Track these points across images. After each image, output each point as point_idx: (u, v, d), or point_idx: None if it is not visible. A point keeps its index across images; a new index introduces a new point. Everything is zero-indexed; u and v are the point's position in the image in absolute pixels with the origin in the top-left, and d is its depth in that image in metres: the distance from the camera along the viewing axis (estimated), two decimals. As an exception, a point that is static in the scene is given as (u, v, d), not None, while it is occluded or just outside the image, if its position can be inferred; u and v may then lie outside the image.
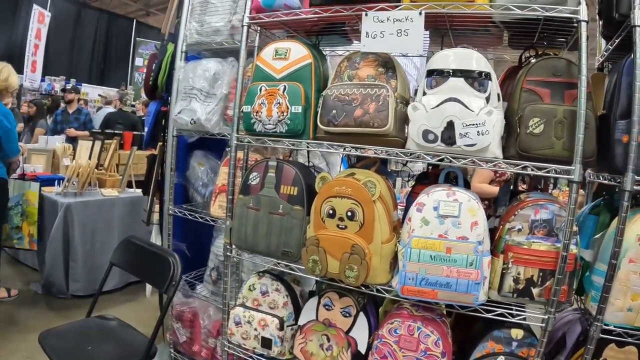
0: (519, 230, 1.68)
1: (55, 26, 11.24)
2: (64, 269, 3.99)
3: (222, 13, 2.46)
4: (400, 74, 1.87)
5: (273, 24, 2.12)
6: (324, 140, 1.89)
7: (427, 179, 2.06)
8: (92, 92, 11.88)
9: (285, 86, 1.92)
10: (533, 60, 1.79)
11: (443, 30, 2.05)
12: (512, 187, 2.21)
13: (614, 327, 1.62)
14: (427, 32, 2.14)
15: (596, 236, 1.82)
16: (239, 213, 2.07)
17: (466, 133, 1.60)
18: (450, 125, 1.62)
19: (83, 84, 11.63)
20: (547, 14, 1.61)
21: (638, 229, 1.58)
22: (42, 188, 4.13)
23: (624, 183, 1.55)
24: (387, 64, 1.87)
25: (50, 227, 3.97)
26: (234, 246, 2.18)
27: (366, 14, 1.83)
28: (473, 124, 1.59)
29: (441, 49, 1.97)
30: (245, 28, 2.12)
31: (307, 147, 1.98)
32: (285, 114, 1.91)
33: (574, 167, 1.57)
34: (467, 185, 1.86)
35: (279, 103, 1.91)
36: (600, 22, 1.98)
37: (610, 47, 1.93)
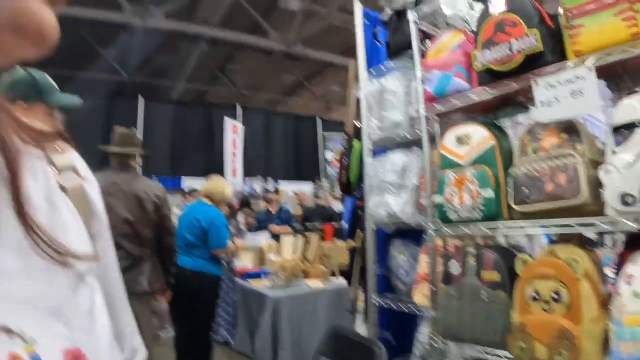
0: None
1: (249, 133, 12.76)
2: (272, 357, 4.23)
3: (398, 106, 2.58)
4: (586, 135, 1.74)
5: (448, 110, 2.17)
6: (519, 219, 1.81)
7: (636, 242, 1.83)
8: (287, 188, 13.00)
9: (473, 171, 1.92)
10: None
11: (616, 76, 1.88)
12: None
13: None
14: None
15: None
16: (443, 303, 2.05)
17: (669, 189, 1.41)
18: (649, 183, 1.44)
19: (279, 181, 12.83)
20: None
21: None
22: (251, 281, 4.68)
23: None
24: (569, 129, 1.76)
25: (257, 317, 4.33)
26: (439, 335, 2.14)
27: (537, 83, 1.78)
28: (675, 177, 1.40)
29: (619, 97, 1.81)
30: (423, 119, 2.19)
31: (503, 231, 1.92)
32: (477, 199, 1.89)
33: None
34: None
35: (469, 189, 1.91)
36: None
37: None
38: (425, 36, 2.52)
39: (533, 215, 1.77)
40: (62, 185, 0.53)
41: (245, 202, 8.86)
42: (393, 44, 2.78)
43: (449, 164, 2.04)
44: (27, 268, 0.40)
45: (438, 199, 2.02)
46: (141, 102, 12.53)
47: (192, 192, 8.02)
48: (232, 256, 5.15)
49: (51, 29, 0.39)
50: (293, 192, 12.59)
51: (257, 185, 12.13)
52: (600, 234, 1.96)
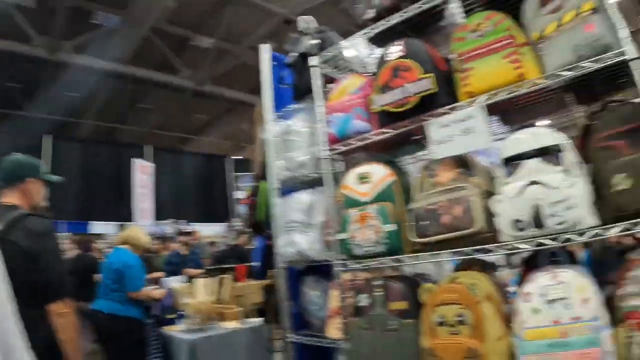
0: (636, 294, 1.58)
1: (160, 174, 12.45)
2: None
3: (303, 147, 2.67)
4: (479, 168, 1.91)
5: (350, 150, 2.28)
6: (421, 252, 1.93)
7: (532, 262, 2.01)
8: (201, 229, 12.72)
9: (374, 208, 2.02)
10: (598, 116, 1.76)
11: (506, 112, 2.09)
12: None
13: None
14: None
15: None
16: (354, 335, 2.10)
17: (554, 212, 1.59)
18: (536, 209, 1.61)
19: (191, 223, 12.54)
20: (597, 66, 1.62)
21: None
22: (166, 327, 4.47)
23: None
24: (463, 163, 1.93)
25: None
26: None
27: (430, 123, 1.94)
28: (559, 201, 1.58)
29: (507, 133, 2.00)
30: (327, 160, 2.29)
31: (406, 263, 2.03)
32: (380, 234, 1.99)
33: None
34: (573, 258, 1.80)
35: (372, 225, 2.01)
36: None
37: None
38: (328, 80, 2.64)
39: (434, 246, 1.89)
40: None
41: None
42: (298, 86, 2.89)
43: (351, 202, 2.14)
44: None
45: (342, 235, 2.11)
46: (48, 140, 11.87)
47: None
48: (153, 300, 4.98)
49: None
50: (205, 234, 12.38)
51: (169, 227, 11.78)
52: (509, 256, 2.12)
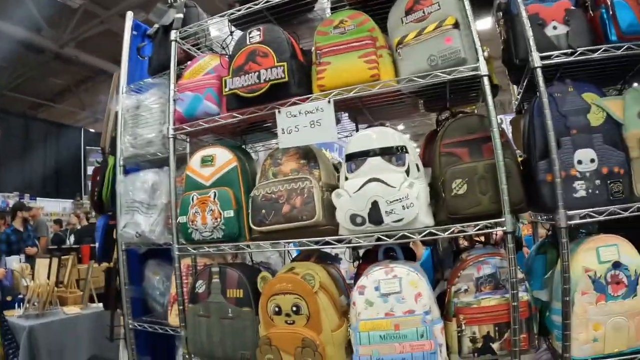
0: (466, 290, 1.71)
1: (5, 141, 11.23)
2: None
3: (153, 124, 2.54)
4: (323, 162, 1.93)
5: (197, 131, 2.19)
6: (259, 240, 1.91)
7: (371, 256, 2.09)
8: (48, 205, 11.77)
9: (215, 192, 1.97)
10: (446, 123, 1.86)
11: (358, 110, 2.14)
12: (455, 246, 2.24)
13: (585, 360, 1.61)
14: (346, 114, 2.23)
15: (546, 276, 1.84)
16: (191, 322, 2.05)
17: (392, 210, 1.65)
18: (375, 205, 1.67)
19: (38, 198, 11.55)
20: (449, 77, 1.72)
21: (582, 260, 1.61)
22: (6, 311, 4.06)
23: (558, 221, 1.60)
24: (308, 155, 1.94)
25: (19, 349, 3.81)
26: (193, 356, 2.13)
27: (279, 112, 1.92)
28: (396, 200, 1.64)
29: (356, 130, 2.04)
30: (171, 139, 2.18)
31: (243, 249, 2.01)
32: (219, 219, 1.94)
33: (504, 219, 1.61)
34: (411, 255, 1.89)
35: (211, 210, 1.95)
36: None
37: (520, 90, 2.05)
38: (187, 57, 2.51)
39: (271, 236, 1.88)
40: None
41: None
42: (156, 60, 2.72)
43: (193, 185, 2.07)
44: None
45: (182, 219, 2.03)
46: None
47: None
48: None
49: None
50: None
51: (11, 201, 10.73)
52: (355, 249, 2.17)
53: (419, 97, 2.12)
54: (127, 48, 2.97)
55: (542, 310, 1.85)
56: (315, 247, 1.85)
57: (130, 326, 2.67)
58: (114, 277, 2.92)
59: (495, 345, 1.65)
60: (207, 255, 2.47)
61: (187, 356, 2.15)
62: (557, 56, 1.70)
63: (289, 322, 1.78)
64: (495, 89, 2.04)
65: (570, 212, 1.61)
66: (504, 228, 1.62)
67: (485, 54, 1.73)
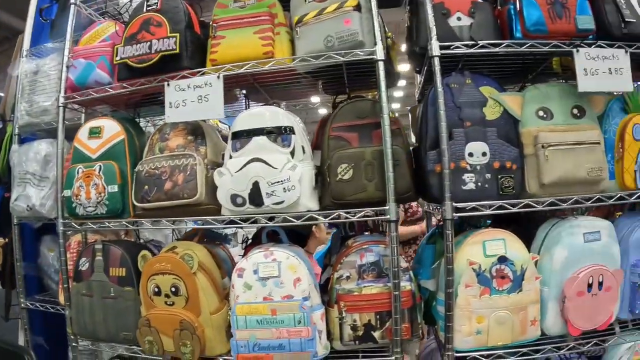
0: (348, 277, 1.71)
1: None
2: None
3: (50, 92, 2.38)
4: (211, 139, 1.87)
5: (89, 101, 2.08)
6: (142, 218, 1.84)
7: (259, 238, 2.05)
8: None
9: (100, 166, 1.87)
10: (339, 106, 1.83)
11: (251, 88, 2.07)
12: (342, 232, 2.22)
13: (467, 352, 1.63)
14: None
15: (433, 266, 1.86)
16: (75, 301, 1.96)
17: (272, 192, 1.62)
18: (255, 186, 1.63)
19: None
20: (344, 59, 1.69)
21: (467, 253, 1.63)
22: None
23: (444, 212, 1.61)
24: (196, 131, 1.87)
25: None
26: (78, 336, 2.04)
27: (168, 84, 1.84)
28: (278, 182, 1.61)
29: (246, 108, 1.98)
30: (61, 108, 2.06)
31: (126, 227, 1.93)
32: (102, 194, 1.85)
33: (388, 207, 1.60)
34: (300, 240, 1.86)
35: (95, 184, 1.86)
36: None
37: (421, 79, 2.03)
38: (91, 22, 2.37)
39: (154, 213, 1.82)
40: None
41: None
42: (57, 23, 2.56)
43: (80, 157, 1.96)
44: None
45: (67, 193, 1.92)
46: None
47: None
48: None
49: None
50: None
51: None
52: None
53: (317, 78, 2.07)
54: (33, 8, 2.80)
55: (429, 299, 1.87)
56: (196, 227, 1.80)
57: (23, 305, 2.54)
58: (10, 253, 2.77)
59: (376, 334, 1.66)
60: (99, 231, 2.38)
61: (72, 337, 2.06)
62: (457, 47, 1.68)
63: (168, 303, 1.73)
64: (396, 76, 2.04)
65: (458, 205, 1.62)
66: (388, 217, 1.61)
67: (389, 40, 1.70)
